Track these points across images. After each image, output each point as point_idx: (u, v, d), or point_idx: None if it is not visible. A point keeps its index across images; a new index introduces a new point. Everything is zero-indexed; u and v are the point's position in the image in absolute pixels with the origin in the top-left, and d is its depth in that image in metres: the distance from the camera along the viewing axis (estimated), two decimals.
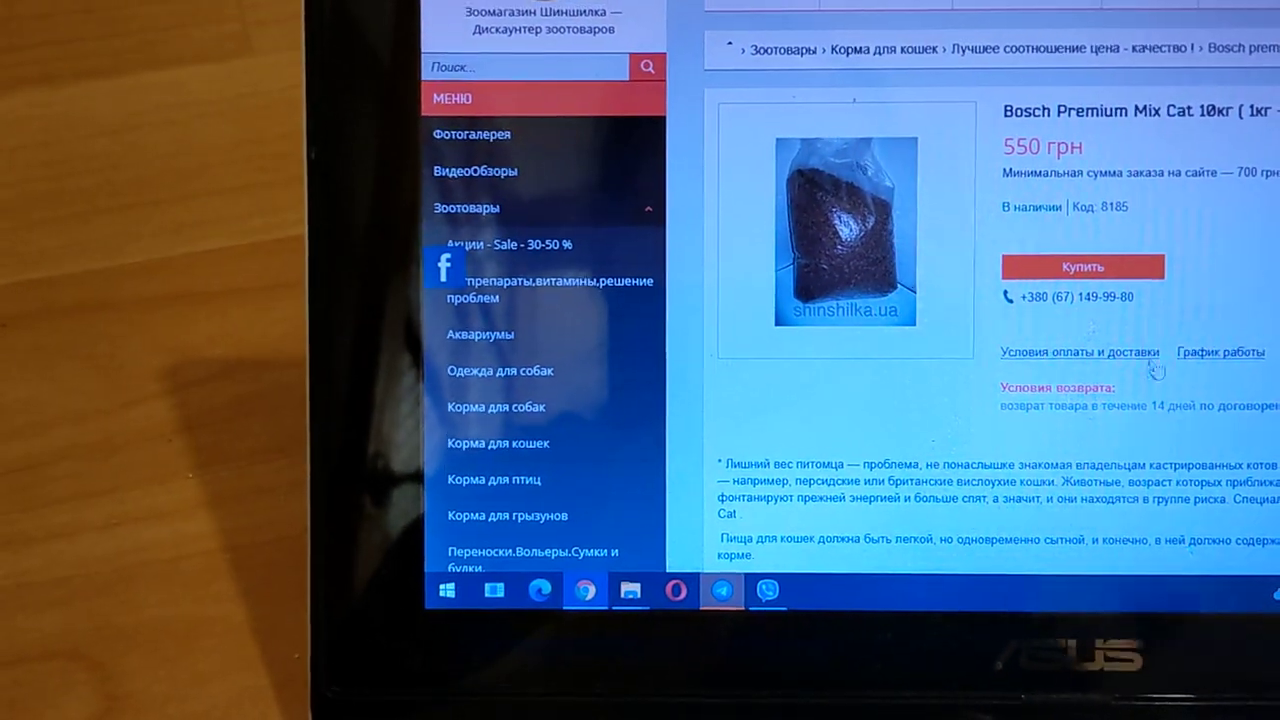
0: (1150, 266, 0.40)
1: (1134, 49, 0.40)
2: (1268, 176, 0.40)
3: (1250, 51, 0.40)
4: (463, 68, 0.40)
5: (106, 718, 0.44)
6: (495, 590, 0.41)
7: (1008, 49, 0.40)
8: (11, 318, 0.52)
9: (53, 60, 0.58)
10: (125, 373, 0.51)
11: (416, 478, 0.41)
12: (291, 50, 0.58)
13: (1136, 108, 0.40)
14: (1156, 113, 0.40)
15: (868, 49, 0.40)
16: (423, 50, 0.40)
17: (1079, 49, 0.40)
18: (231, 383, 0.51)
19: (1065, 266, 0.40)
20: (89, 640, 0.45)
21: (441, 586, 0.41)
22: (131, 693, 0.44)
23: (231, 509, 0.48)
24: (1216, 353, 0.40)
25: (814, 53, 0.40)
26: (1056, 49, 0.40)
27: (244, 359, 0.51)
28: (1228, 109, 0.40)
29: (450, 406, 0.41)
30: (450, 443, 0.41)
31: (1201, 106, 0.40)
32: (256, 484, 0.48)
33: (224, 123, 0.57)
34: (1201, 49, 0.40)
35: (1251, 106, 0.40)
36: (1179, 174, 0.40)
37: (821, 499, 0.41)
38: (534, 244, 0.40)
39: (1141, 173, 0.40)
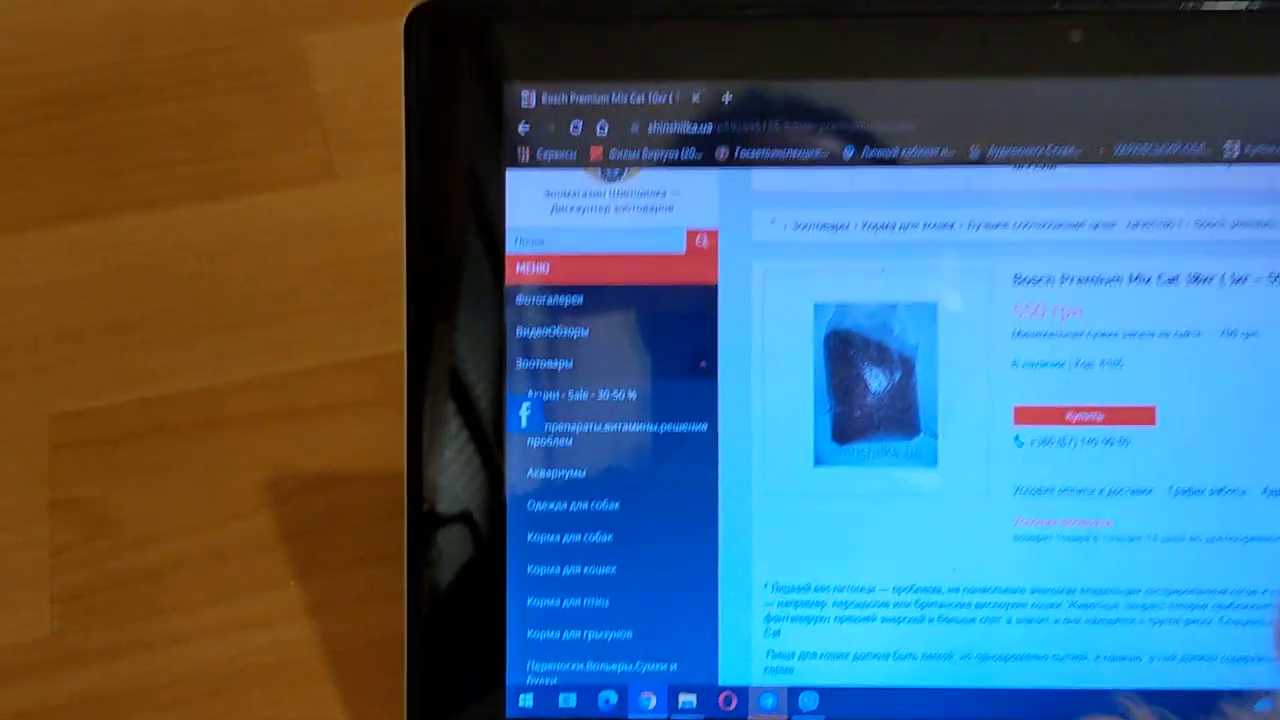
0: (1143, 415, 0.43)
1: (1128, 225, 0.43)
2: (1246, 337, 0.43)
3: (1231, 227, 0.43)
4: (542, 241, 0.44)
5: None
6: (568, 700, 0.44)
7: (1017, 225, 0.43)
8: (124, 436, 0.55)
9: (151, 185, 0.60)
10: (230, 487, 0.53)
11: (500, 598, 0.44)
12: (371, 175, 0.61)
13: (1130, 276, 0.43)
14: (1148, 281, 0.43)
15: (894, 225, 0.44)
16: (507, 226, 0.44)
17: (1079, 225, 0.43)
18: (324, 495, 0.53)
19: (1069, 415, 0.43)
20: None
21: (521, 696, 0.45)
22: None
23: (329, 615, 0.51)
24: (1203, 491, 0.43)
25: (847, 228, 0.44)
26: (1060, 225, 0.43)
27: (336, 473, 0.54)
28: (1211, 277, 0.43)
29: (530, 535, 0.44)
30: (530, 568, 0.44)
31: (1188, 275, 0.43)
32: (352, 592, 0.51)
33: (311, 245, 0.59)
34: (1188, 225, 0.43)
35: (1232, 275, 0.43)
36: (1168, 334, 0.43)
37: (856, 619, 0.44)
38: (603, 394, 0.44)
39: (1135, 334, 0.43)
